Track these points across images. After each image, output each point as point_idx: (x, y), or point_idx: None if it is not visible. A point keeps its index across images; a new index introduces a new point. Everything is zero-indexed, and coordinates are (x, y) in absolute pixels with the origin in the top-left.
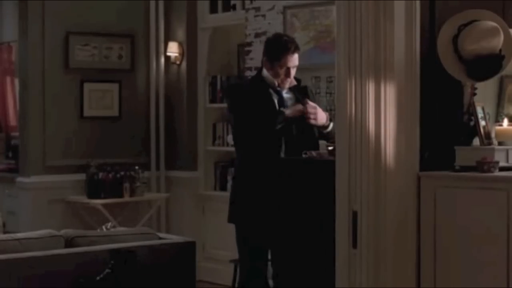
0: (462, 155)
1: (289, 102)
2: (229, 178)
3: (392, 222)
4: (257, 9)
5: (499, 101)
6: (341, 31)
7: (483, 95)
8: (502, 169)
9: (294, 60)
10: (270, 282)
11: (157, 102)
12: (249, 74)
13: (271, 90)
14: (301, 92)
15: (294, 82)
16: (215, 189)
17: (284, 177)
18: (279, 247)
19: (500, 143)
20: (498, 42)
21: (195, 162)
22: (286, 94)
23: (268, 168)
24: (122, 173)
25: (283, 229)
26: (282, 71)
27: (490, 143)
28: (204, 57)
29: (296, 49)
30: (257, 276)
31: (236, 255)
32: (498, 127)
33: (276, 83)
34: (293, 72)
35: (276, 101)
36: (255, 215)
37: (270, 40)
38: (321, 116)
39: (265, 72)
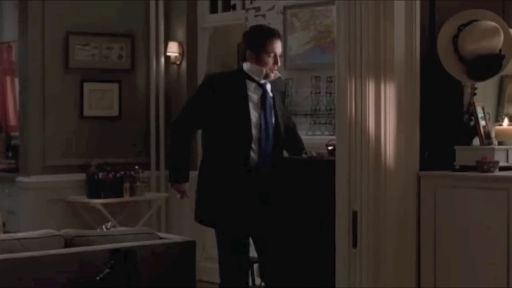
0: (462, 155)
1: (270, 100)
2: None
3: (392, 222)
4: (257, 9)
5: (499, 101)
6: (341, 31)
7: (483, 95)
8: (502, 169)
9: (279, 46)
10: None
11: (157, 102)
12: None
13: (253, 85)
14: (280, 88)
15: (278, 74)
16: None
17: (284, 177)
18: (279, 247)
19: (500, 143)
20: (498, 42)
21: (195, 162)
22: (269, 90)
23: (237, 162)
24: (122, 173)
25: (282, 229)
26: (270, 59)
27: (490, 143)
28: (204, 57)
29: (279, 35)
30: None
31: None
32: (498, 127)
33: (264, 72)
34: (278, 60)
35: (258, 96)
36: (227, 210)
37: (251, 31)
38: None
39: (247, 66)
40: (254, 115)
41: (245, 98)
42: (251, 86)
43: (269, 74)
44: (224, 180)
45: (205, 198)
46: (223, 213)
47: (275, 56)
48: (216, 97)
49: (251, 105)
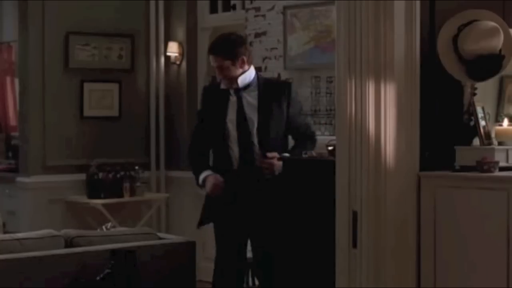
0: (462, 155)
1: (247, 107)
2: None
3: (392, 222)
4: (257, 9)
5: (499, 101)
6: (341, 31)
7: (483, 95)
8: (502, 169)
9: (212, 60)
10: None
11: (157, 102)
12: None
13: (230, 92)
14: (280, 90)
15: (240, 85)
16: None
17: (284, 177)
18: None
19: (500, 143)
20: (498, 42)
21: None
22: (248, 97)
23: (220, 164)
24: (122, 173)
25: (282, 228)
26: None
27: (490, 143)
28: (204, 57)
29: (209, 51)
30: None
31: None
32: (498, 127)
33: (220, 81)
34: (221, 72)
35: (234, 104)
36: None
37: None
38: (277, 167)
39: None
40: (231, 121)
41: (226, 105)
42: (231, 93)
43: (224, 83)
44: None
45: (205, 201)
46: (215, 214)
47: (217, 68)
48: (207, 108)
49: (230, 111)
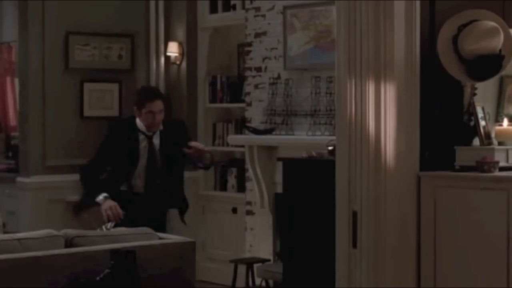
0: (462, 155)
1: (156, 148)
2: (229, 178)
3: (392, 222)
4: (257, 9)
5: (499, 101)
6: (341, 31)
7: (483, 95)
8: (502, 169)
9: (158, 106)
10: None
11: None
12: (249, 74)
13: (141, 137)
14: (177, 131)
15: (161, 127)
16: (215, 189)
17: (284, 177)
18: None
19: (500, 143)
20: (498, 42)
21: None
22: (155, 140)
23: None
24: None
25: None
26: (149, 116)
27: (490, 143)
28: (204, 57)
29: (157, 96)
30: None
31: (236, 255)
32: (498, 127)
33: (145, 128)
34: (158, 117)
35: (143, 146)
36: None
37: (138, 91)
38: (206, 155)
39: (137, 121)
40: (142, 156)
41: (137, 143)
42: (141, 136)
43: (150, 129)
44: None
45: None
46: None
47: (158, 113)
48: (115, 141)
49: (141, 147)
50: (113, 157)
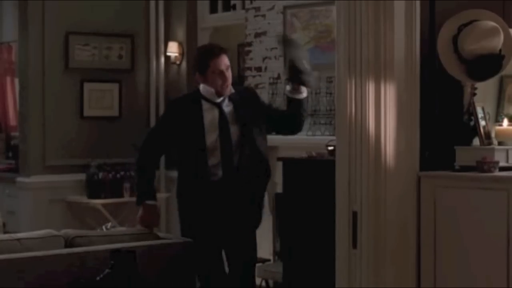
0: (462, 155)
1: (229, 117)
2: None
3: (392, 222)
4: (257, 9)
5: (499, 101)
6: (341, 31)
7: (483, 95)
8: (502, 169)
9: (224, 61)
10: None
11: (157, 102)
12: (249, 74)
13: (208, 106)
14: (248, 94)
15: (232, 90)
16: None
17: (284, 177)
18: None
19: (500, 143)
20: (498, 42)
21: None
22: (226, 108)
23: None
24: (122, 173)
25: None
26: (217, 76)
27: (490, 143)
28: None
29: (221, 51)
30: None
31: None
32: (498, 127)
33: (214, 92)
34: (228, 74)
35: (214, 117)
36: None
37: (197, 53)
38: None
39: (201, 87)
40: (209, 134)
41: (201, 120)
42: (206, 106)
43: (221, 92)
44: (191, 196)
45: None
46: (195, 228)
47: (221, 72)
48: (175, 123)
49: (206, 123)
50: (171, 139)
